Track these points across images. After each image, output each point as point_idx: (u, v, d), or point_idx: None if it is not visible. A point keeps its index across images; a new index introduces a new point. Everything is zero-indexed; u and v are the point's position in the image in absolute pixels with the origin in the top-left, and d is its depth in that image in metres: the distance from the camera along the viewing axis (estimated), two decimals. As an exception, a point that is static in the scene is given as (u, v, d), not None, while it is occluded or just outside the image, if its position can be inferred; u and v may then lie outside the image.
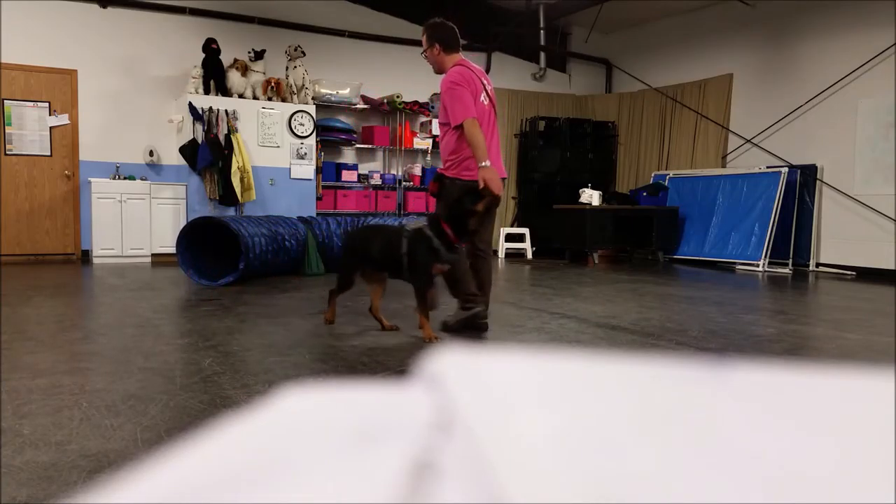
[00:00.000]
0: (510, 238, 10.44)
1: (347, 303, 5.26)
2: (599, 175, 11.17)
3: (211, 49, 8.55)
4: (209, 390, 2.77)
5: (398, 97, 9.93)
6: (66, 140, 8.60)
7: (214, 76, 8.58)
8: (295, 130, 9.01)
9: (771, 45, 9.59)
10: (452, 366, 0.32)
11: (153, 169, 8.99)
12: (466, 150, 4.03)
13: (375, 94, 10.03)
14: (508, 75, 11.43)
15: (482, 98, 4.12)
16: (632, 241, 10.02)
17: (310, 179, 9.16)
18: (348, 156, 10.22)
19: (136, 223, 8.49)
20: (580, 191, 9.78)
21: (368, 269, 4.08)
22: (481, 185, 3.88)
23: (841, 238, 8.69)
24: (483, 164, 3.90)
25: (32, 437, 2.18)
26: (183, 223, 8.07)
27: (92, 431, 2.24)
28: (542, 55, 11.50)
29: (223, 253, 6.81)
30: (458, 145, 4.09)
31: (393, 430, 0.27)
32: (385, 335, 3.97)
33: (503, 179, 4.20)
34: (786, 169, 8.92)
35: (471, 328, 4.11)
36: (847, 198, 8.59)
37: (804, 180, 8.97)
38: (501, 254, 10.13)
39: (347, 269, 4.19)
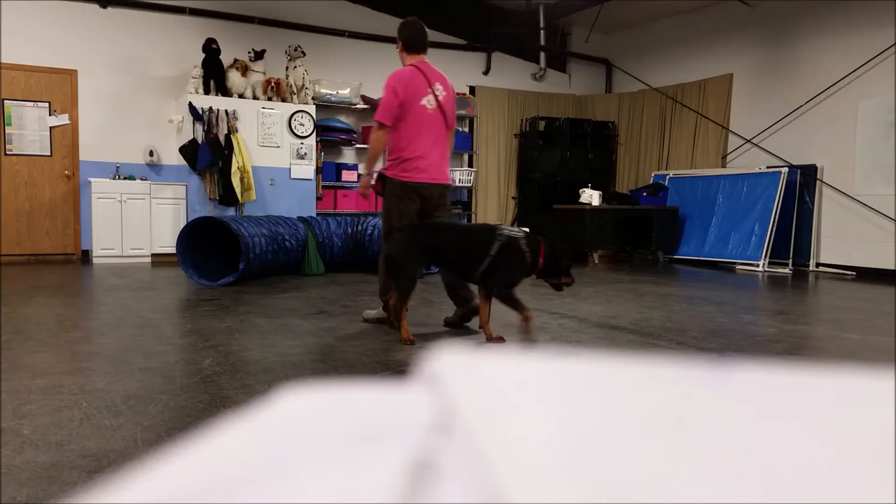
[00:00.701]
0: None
1: (348, 302, 5.26)
2: (599, 175, 11.16)
3: (211, 49, 8.55)
4: (209, 390, 2.77)
5: (398, 97, 9.92)
6: (66, 140, 8.60)
7: (214, 76, 8.58)
8: (295, 130, 9.01)
9: (771, 45, 9.59)
10: (452, 366, 0.32)
11: (153, 169, 8.99)
12: (403, 150, 4.17)
13: (375, 94, 10.02)
14: (508, 75, 11.43)
15: (424, 102, 4.16)
16: (632, 241, 10.02)
17: (310, 179, 9.16)
18: (348, 156, 10.22)
19: (136, 223, 8.49)
20: (580, 191, 9.78)
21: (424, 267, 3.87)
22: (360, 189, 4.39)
23: (841, 238, 8.69)
24: (364, 172, 4.34)
25: (32, 437, 2.18)
26: (183, 223, 8.07)
27: (92, 431, 2.24)
28: (542, 55, 11.50)
29: (223, 253, 6.81)
30: (395, 145, 4.22)
31: (393, 430, 0.27)
32: (385, 335, 3.96)
33: (443, 186, 4.32)
34: (786, 169, 8.92)
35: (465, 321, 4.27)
36: (847, 198, 8.59)
37: (804, 180, 8.97)
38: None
39: (413, 268, 3.79)
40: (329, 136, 9.62)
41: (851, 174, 8.56)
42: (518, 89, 11.50)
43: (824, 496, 0.22)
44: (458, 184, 10.57)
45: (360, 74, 9.98)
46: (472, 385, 0.30)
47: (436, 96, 4.19)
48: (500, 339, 3.80)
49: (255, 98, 8.84)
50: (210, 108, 8.38)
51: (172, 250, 7.34)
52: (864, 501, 0.22)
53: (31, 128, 8.44)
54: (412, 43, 4.26)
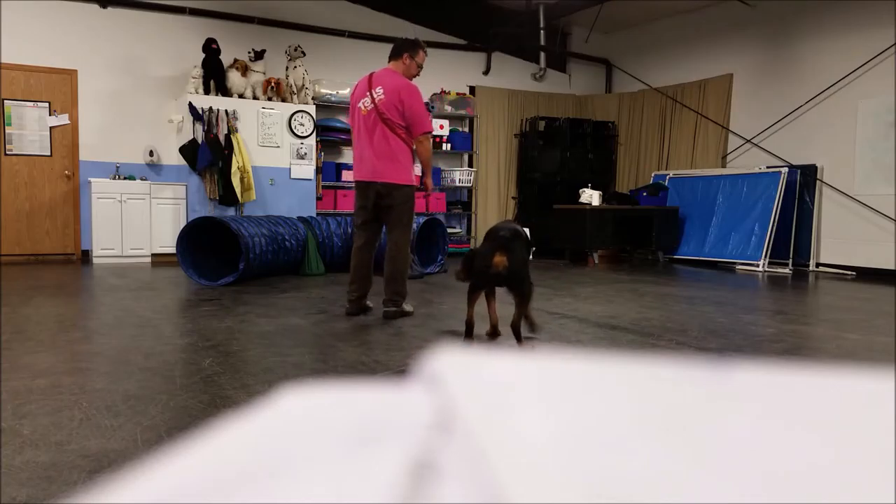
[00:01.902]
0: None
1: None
2: (599, 175, 11.16)
3: (211, 49, 8.55)
4: (209, 390, 2.77)
5: (398, 97, 9.92)
6: (66, 140, 8.60)
7: (214, 76, 8.58)
8: (295, 130, 9.01)
9: (771, 45, 9.59)
10: (452, 366, 0.32)
11: (153, 169, 8.99)
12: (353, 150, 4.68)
13: (375, 94, 10.02)
14: (508, 75, 11.43)
15: (361, 104, 4.59)
16: (632, 241, 10.01)
17: (310, 179, 9.16)
18: (348, 156, 10.20)
19: (136, 223, 8.49)
20: (580, 191, 9.78)
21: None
22: None
23: (841, 238, 8.68)
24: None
25: (32, 437, 2.18)
26: (183, 223, 8.06)
27: (92, 431, 2.24)
28: (542, 55, 11.50)
29: (223, 253, 6.81)
30: None
31: (393, 430, 0.27)
32: (385, 335, 3.96)
33: (378, 184, 4.50)
34: (786, 169, 8.92)
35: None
36: (847, 198, 8.59)
37: (804, 180, 8.97)
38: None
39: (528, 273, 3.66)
40: (329, 136, 9.61)
41: (851, 174, 8.56)
42: (518, 89, 11.49)
43: (824, 496, 0.22)
44: (458, 184, 10.57)
45: (360, 74, 9.85)
46: (472, 385, 0.30)
47: (373, 98, 4.50)
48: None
49: (255, 98, 8.84)
50: (210, 108, 8.38)
51: (172, 250, 7.33)
52: (864, 501, 0.22)
53: (31, 128, 8.43)
54: (390, 53, 4.83)
